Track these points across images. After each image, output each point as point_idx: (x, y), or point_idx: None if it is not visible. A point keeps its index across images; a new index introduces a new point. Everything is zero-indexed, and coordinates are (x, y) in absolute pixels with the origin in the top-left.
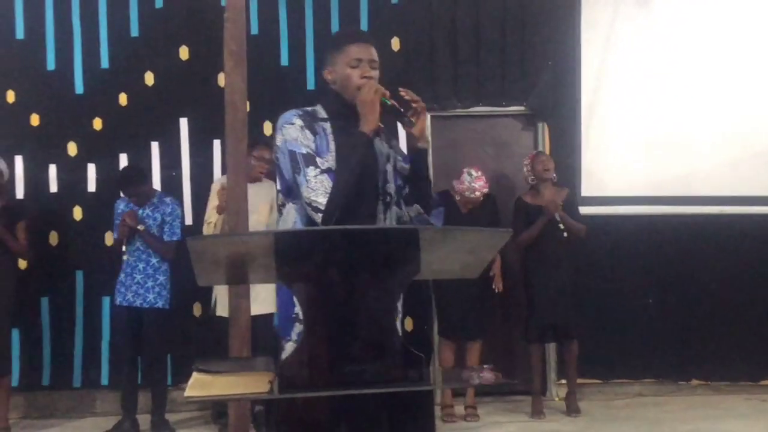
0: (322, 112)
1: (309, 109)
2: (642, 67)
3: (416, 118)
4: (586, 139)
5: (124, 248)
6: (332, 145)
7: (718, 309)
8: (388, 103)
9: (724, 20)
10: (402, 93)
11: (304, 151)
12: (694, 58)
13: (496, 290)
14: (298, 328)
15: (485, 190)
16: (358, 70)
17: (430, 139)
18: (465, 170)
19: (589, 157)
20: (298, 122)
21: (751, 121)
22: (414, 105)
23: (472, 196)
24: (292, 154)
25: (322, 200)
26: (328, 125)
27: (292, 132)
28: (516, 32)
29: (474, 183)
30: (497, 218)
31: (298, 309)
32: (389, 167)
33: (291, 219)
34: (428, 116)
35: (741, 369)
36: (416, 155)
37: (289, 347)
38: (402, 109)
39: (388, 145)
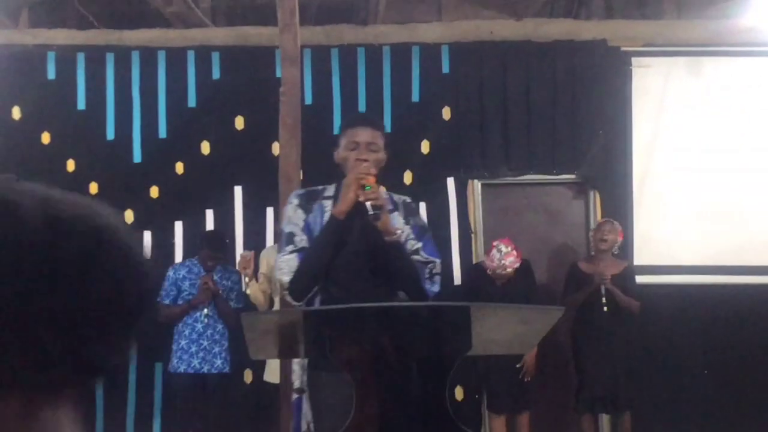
0: (331, 191)
1: (320, 187)
2: (694, 135)
3: (381, 214)
4: (638, 208)
5: (206, 311)
6: None
7: None
8: (368, 188)
9: None
10: (370, 184)
11: (288, 230)
12: (746, 126)
13: (526, 379)
14: None
15: (516, 266)
16: (355, 152)
17: (480, 207)
18: (495, 245)
19: (642, 225)
20: (295, 201)
21: None
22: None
23: (504, 273)
24: (281, 232)
25: (286, 279)
26: (329, 203)
27: (288, 210)
28: (566, 100)
29: (504, 260)
30: (533, 288)
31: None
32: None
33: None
34: (479, 184)
35: None
36: (386, 247)
37: None
38: (374, 204)
39: (404, 221)
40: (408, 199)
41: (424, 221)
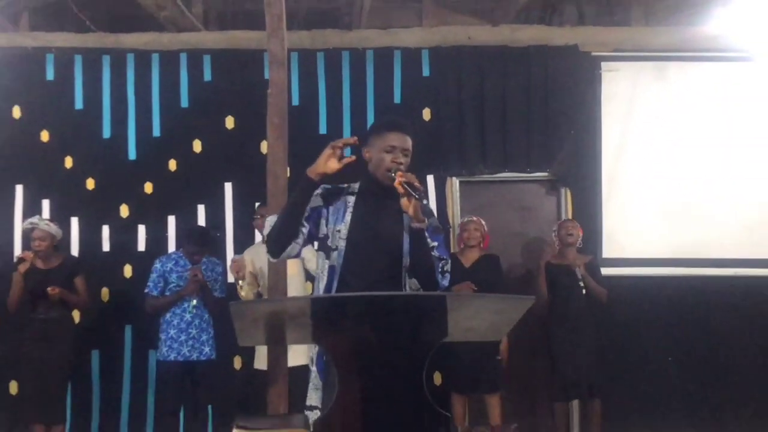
0: (355, 188)
1: (345, 185)
2: (660, 136)
3: (409, 199)
4: (607, 204)
5: (194, 302)
6: (348, 217)
7: (735, 367)
8: (393, 178)
9: (740, 91)
10: (399, 176)
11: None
12: (710, 127)
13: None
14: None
15: (482, 230)
16: (391, 155)
17: (458, 203)
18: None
19: (610, 220)
20: (319, 191)
21: (766, 187)
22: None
23: (469, 236)
24: None
25: (265, 233)
26: (353, 199)
27: (312, 200)
28: (540, 103)
29: (471, 218)
30: (499, 279)
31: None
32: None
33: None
34: (457, 181)
35: (760, 426)
36: (412, 234)
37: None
38: (409, 190)
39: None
40: (425, 201)
41: (438, 223)
